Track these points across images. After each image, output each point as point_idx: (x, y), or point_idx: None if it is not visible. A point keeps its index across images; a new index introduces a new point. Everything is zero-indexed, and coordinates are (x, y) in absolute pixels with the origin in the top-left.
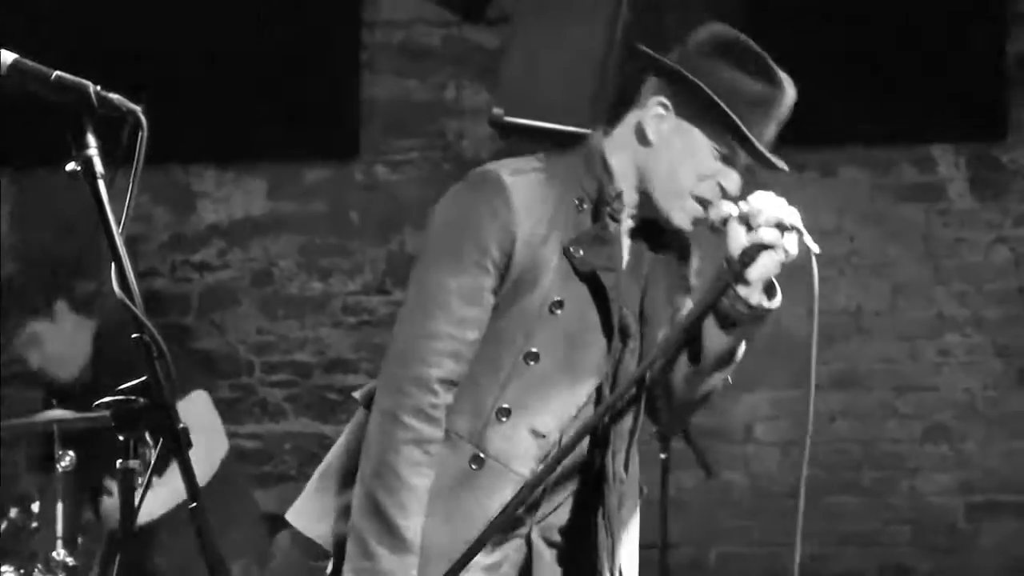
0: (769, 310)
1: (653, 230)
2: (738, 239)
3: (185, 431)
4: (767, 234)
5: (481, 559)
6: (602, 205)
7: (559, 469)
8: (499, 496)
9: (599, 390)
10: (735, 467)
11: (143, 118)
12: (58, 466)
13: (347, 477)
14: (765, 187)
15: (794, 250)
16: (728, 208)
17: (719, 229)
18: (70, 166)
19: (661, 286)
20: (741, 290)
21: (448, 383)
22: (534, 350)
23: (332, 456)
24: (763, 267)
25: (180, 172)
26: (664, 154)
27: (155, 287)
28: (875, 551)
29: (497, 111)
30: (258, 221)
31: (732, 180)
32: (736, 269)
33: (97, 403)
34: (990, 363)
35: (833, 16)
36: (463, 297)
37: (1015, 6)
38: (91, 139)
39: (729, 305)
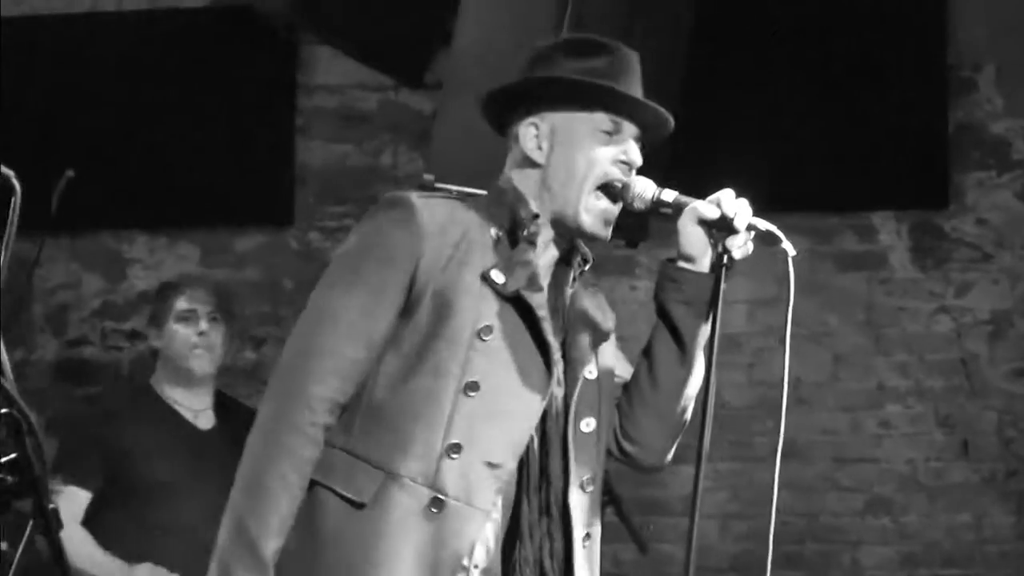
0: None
1: (565, 275)
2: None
3: (55, 510)
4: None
5: None
6: (518, 229)
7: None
8: (466, 535)
9: (546, 413)
10: (674, 540)
11: (16, 183)
12: None
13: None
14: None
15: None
16: (675, 196)
17: (647, 207)
18: None
19: (581, 331)
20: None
21: (329, 401)
22: (473, 379)
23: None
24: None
25: (111, 238)
26: (556, 160)
27: (85, 355)
28: None
29: (428, 177)
30: None
31: (632, 151)
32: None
33: None
34: (932, 434)
35: (772, 84)
36: (354, 313)
37: (957, 73)
38: None
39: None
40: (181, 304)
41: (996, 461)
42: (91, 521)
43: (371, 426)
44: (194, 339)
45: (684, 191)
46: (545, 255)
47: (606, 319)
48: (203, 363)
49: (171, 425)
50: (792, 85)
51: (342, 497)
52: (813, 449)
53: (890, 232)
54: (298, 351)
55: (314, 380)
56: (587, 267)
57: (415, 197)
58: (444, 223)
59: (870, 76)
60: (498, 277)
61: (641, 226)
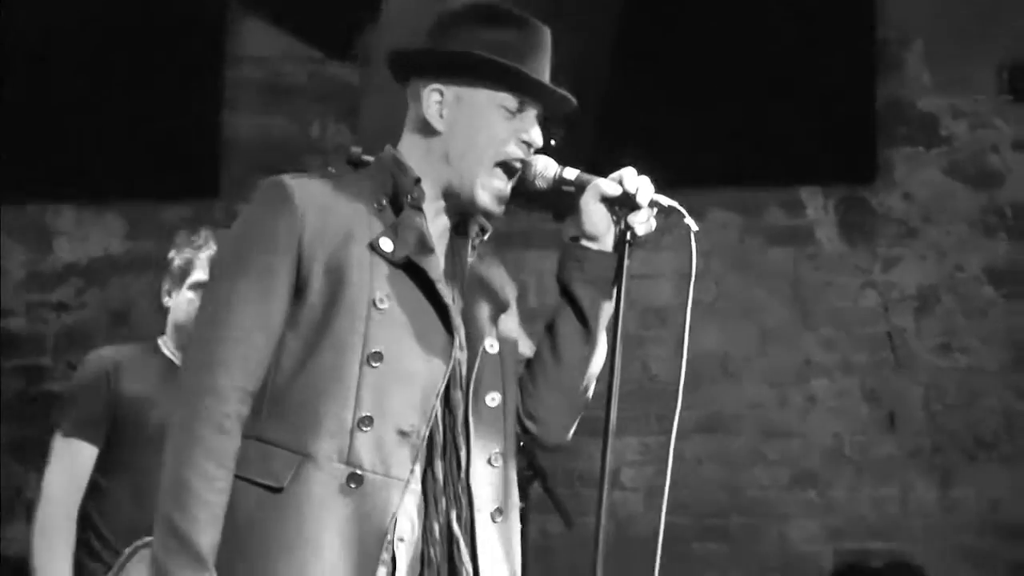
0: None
1: (463, 244)
2: (639, 216)
3: None
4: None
5: None
6: (400, 195)
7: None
8: (387, 507)
9: (451, 380)
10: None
11: None
12: None
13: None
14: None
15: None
16: (576, 173)
17: (549, 185)
18: None
19: (479, 299)
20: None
21: (240, 391)
22: (375, 350)
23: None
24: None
25: (37, 210)
26: (457, 131)
27: (11, 327)
28: None
29: (356, 150)
30: (116, 260)
31: (534, 131)
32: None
33: None
34: (858, 408)
35: (701, 58)
36: (248, 300)
37: (886, 49)
38: None
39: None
40: (199, 275)
41: (922, 435)
42: (96, 472)
43: (279, 410)
44: None
45: (610, 169)
46: (436, 222)
47: (505, 289)
48: None
49: (169, 374)
50: (721, 60)
51: (260, 485)
52: (740, 423)
53: (817, 207)
54: (201, 345)
55: (221, 372)
56: (486, 236)
57: (289, 178)
58: (322, 198)
59: (798, 51)
60: (386, 245)
61: (569, 200)
